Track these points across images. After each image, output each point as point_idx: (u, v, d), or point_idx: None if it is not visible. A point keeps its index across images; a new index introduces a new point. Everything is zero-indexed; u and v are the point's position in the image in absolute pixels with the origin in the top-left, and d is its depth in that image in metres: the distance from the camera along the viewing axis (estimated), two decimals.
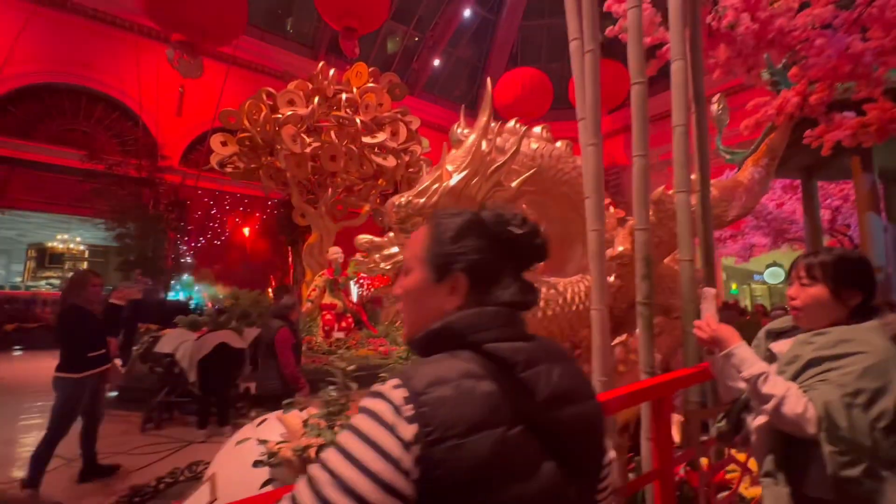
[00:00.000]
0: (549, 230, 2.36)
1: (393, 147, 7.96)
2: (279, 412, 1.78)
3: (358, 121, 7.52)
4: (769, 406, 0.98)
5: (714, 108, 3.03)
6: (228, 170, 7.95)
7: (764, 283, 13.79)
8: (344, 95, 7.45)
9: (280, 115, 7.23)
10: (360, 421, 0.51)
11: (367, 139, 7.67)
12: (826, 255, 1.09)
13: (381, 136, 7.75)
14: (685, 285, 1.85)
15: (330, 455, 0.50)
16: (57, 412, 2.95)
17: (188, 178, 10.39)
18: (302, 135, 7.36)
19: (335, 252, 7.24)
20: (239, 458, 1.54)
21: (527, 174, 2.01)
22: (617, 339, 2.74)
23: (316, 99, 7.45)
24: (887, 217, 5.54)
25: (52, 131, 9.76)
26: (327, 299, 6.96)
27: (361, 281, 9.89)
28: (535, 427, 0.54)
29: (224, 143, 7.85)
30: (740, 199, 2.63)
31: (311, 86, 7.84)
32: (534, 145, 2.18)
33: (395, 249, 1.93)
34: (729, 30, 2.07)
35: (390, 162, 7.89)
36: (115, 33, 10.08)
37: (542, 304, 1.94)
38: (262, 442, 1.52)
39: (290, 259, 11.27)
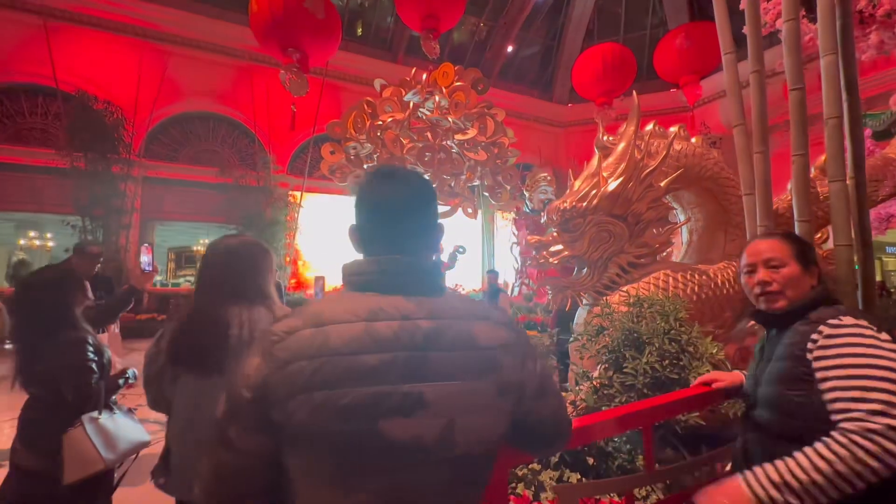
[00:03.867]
0: (695, 221, 2.58)
1: (483, 141, 8.32)
2: None
3: (450, 119, 7.98)
4: None
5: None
6: (337, 175, 8.88)
7: None
8: (437, 97, 7.92)
9: (381, 122, 7.93)
10: None
11: (458, 136, 8.12)
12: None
13: (471, 133, 8.15)
14: (841, 269, 1.99)
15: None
16: None
17: (296, 185, 11.73)
18: (400, 138, 8.01)
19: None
20: None
21: (674, 174, 2.25)
22: (750, 323, 2.89)
23: (411, 103, 8.03)
24: None
25: (191, 153, 11.54)
26: None
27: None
28: None
29: (332, 152, 8.79)
30: (893, 178, 2.61)
31: (403, 91, 8.45)
32: (677, 146, 2.40)
33: (559, 247, 2.30)
34: (885, 18, 2.09)
35: (481, 156, 8.27)
36: (232, 63, 11.58)
37: (696, 288, 2.19)
38: None
39: None
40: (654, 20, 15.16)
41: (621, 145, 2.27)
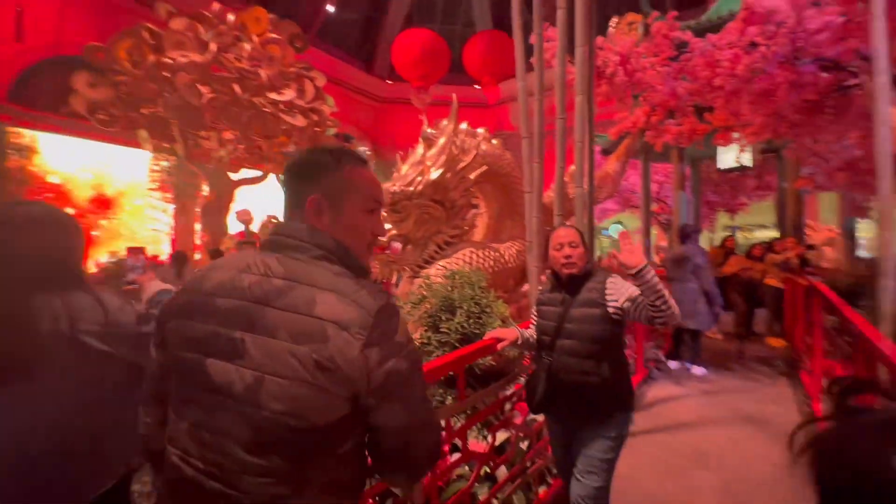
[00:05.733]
0: (491, 209, 3.18)
1: (301, 105, 7.78)
2: None
3: (263, 74, 7.15)
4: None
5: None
6: (101, 116, 6.89)
7: (609, 237, 17.28)
8: (247, 46, 6.96)
9: (171, 60, 6.48)
10: None
11: (273, 95, 7.36)
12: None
13: (288, 94, 7.50)
14: None
15: None
16: None
17: (24, 120, 8.56)
18: (198, 85, 6.73)
19: (246, 214, 7.05)
20: None
21: (480, 170, 2.75)
22: (524, 288, 3.78)
23: (212, 45, 6.81)
24: (692, 191, 7.75)
25: None
26: None
27: None
28: None
29: (93, 85, 6.73)
30: (607, 187, 3.79)
31: (202, 29, 7.07)
32: (483, 147, 2.91)
33: (388, 226, 2.52)
34: (609, 77, 3.03)
35: (300, 121, 7.73)
36: None
37: (492, 262, 2.77)
38: None
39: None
40: (465, 18, 16.66)
41: (442, 139, 2.62)
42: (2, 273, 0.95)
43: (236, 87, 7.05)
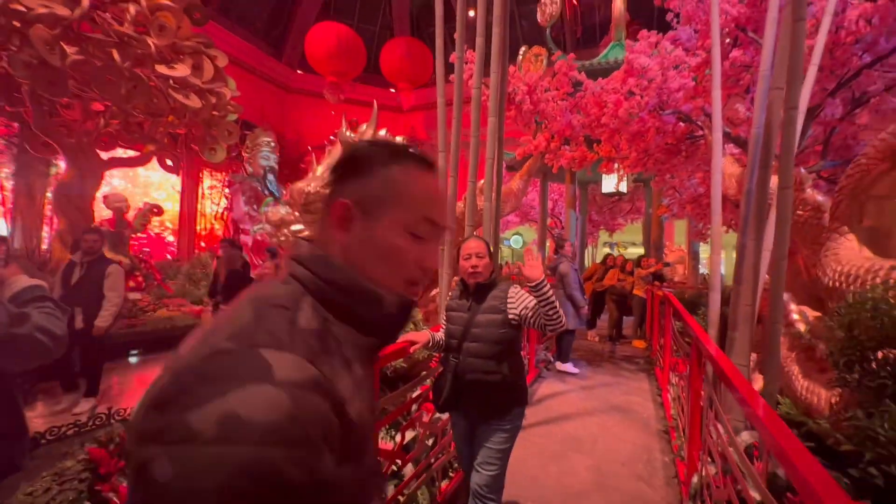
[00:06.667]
0: None
1: (197, 85, 6.99)
2: None
3: (151, 43, 6.29)
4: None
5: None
6: None
7: (510, 247, 18.57)
8: (133, 8, 6.08)
9: (23, 8, 5.36)
10: None
11: (162, 69, 6.50)
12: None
13: (181, 70, 6.69)
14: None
15: None
16: None
17: None
18: (62, 44, 5.66)
19: (118, 199, 6.09)
20: None
21: None
22: (434, 293, 3.94)
23: (86, 1, 5.81)
24: (579, 210, 8.73)
25: None
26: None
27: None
28: None
29: None
30: (511, 202, 4.14)
31: None
32: None
33: (300, 226, 2.45)
34: (518, 104, 3.35)
35: (194, 102, 6.95)
36: None
37: None
38: None
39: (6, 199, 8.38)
40: (383, 20, 16.58)
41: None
42: None
43: (115, 54, 6.10)
